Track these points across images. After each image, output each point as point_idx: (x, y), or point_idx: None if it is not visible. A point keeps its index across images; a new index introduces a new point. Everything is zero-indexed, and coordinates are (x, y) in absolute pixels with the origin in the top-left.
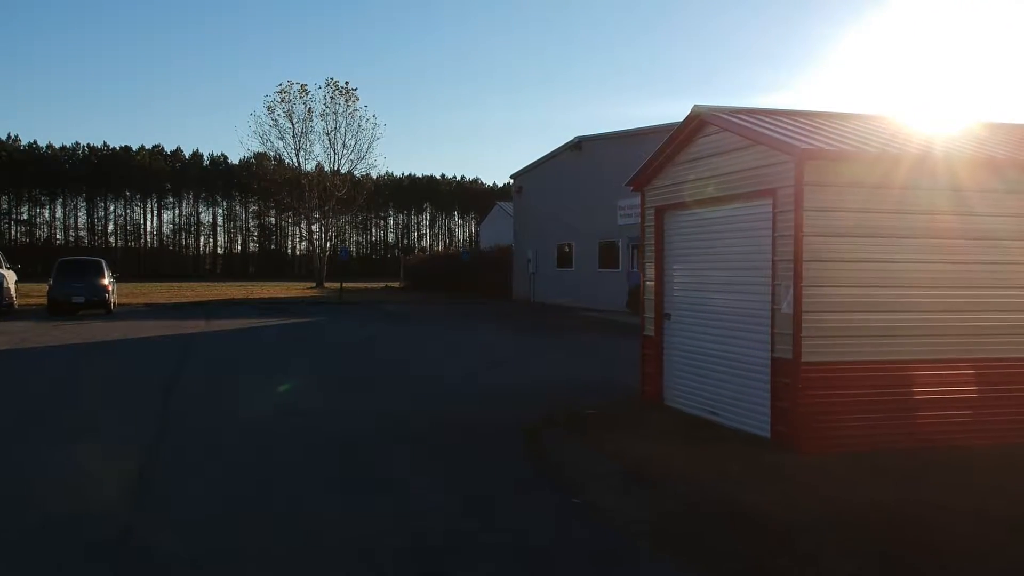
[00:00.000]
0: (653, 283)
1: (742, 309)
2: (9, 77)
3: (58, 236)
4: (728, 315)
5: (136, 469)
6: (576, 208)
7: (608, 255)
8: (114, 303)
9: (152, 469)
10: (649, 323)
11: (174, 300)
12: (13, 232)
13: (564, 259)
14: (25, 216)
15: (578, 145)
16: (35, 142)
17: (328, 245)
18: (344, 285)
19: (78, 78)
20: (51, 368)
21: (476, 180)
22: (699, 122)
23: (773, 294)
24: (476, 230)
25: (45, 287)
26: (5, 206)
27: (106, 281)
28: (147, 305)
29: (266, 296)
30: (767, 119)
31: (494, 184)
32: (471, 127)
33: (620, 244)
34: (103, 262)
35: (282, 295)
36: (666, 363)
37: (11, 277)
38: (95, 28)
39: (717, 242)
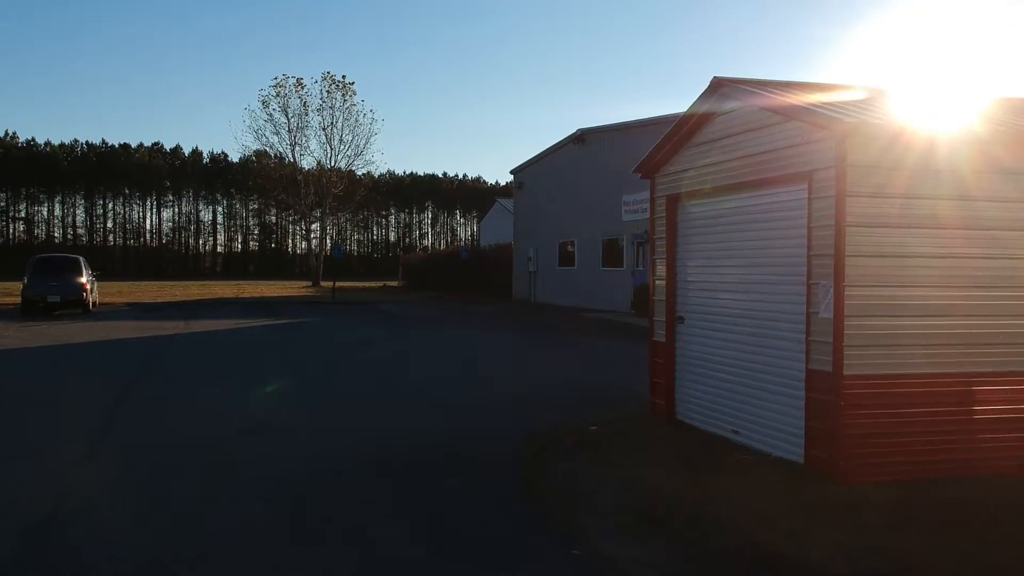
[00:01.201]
0: (664, 282)
1: (770, 312)
2: (7, 74)
3: (56, 234)
4: (753, 319)
5: (45, 503)
6: (579, 204)
7: (612, 253)
8: (94, 302)
9: (67, 501)
10: (659, 327)
11: (160, 299)
12: (11, 230)
13: (566, 257)
14: (23, 214)
15: (581, 138)
16: (33, 139)
17: (325, 243)
18: (341, 284)
19: (77, 75)
20: None
21: (478, 178)
22: (719, 96)
23: (808, 295)
24: (476, 228)
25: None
26: (3, 204)
27: (84, 279)
28: (130, 305)
29: (257, 295)
30: (799, 92)
31: (496, 182)
32: (473, 125)
33: (624, 241)
34: (81, 259)
35: (274, 294)
36: (679, 373)
37: None
38: (94, 25)
39: (739, 235)
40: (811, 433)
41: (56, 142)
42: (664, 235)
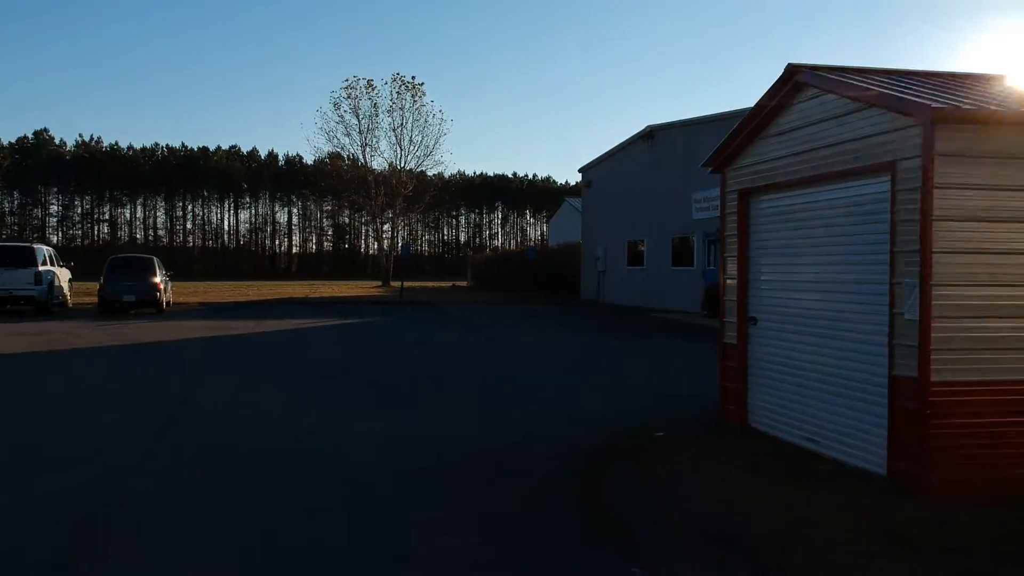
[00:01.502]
0: (735, 281)
1: (849, 313)
2: (91, 81)
3: (138, 235)
4: (831, 320)
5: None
6: (648, 202)
7: (682, 252)
8: (168, 302)
9: (105, 516)
10: (730, 329)
11: (232, 300)
12: (95, 231)
13: (635, 257)
14: (107, 216)
15: (650, 135)
16: (116, 143)
17: (396, 244)
18: (410, 284)
19: (158, 82)
20: (58, 379)
21: (548, 178)
22: (795, 84)
23: (892, 295)
24: (546, 228)
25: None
26: (88, 206)
27: (158, 280)
28: (202, 305)
29: (327, 295)
30: (881, 78)
31: (566, 182)
32: (544, 125)
33: (695, 240)
34: (155, 260)
35: (344, 294)
36: (751, 377)
37: (64, 275)
38: (176, 32)
39: (816, 231)
40: (895, 444)
41: (138, 146)
42: (736, 232)
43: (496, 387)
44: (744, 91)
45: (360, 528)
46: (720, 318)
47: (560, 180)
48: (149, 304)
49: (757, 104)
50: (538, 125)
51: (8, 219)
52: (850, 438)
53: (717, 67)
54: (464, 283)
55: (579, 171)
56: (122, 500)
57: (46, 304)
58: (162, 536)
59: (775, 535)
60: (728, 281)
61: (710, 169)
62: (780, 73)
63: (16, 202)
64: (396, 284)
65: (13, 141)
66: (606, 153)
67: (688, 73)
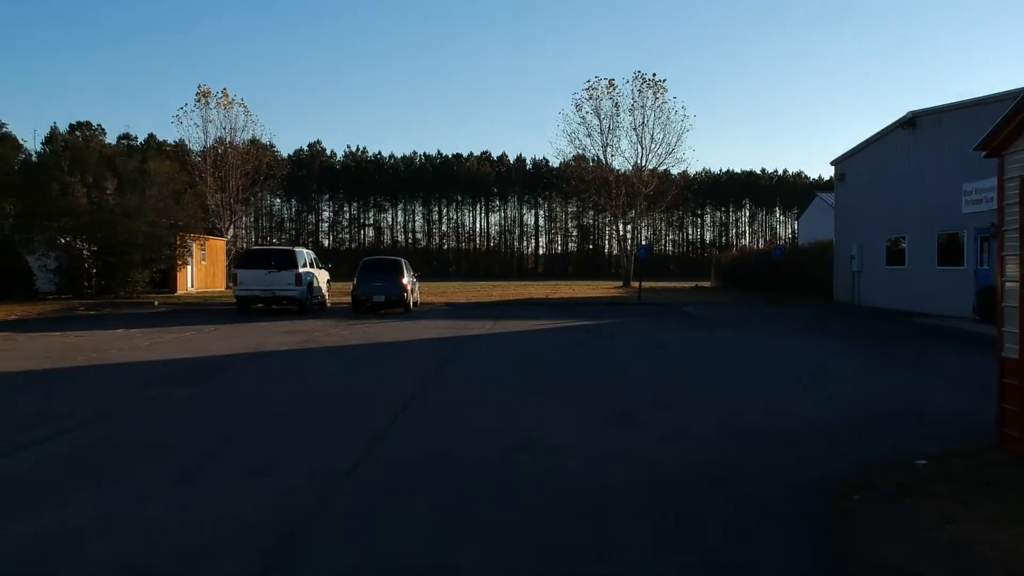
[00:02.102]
0: (1017, 284)
1: None
2: (357, 95)
3: (399, 238)
4: None
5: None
6: (910, 195)
7: (950, 250)
8: (416, 302)
9: (308, 520)
10: (1010, 340)
11: (475, 300)
12: (362, 235)
13: (895, 255)
14: (371, 221)
15: (912, 122)
16: (379, 153)
17: (631, 244)
18: (651, 285)
19: (416, 93)
20: (300, 376)
21: (799, 173)
22: None
23: None
24: (795, 225)
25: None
26: (356, 212)
27: (405, 280)
28: (448, 305)
29: (566, 296)
30: None
31: (819, 177)
32: (794, 117)
33: (965, 236)
34: (403, 261)
35: (583, 295)
36: None
37: (323, 276)
38: (432, 49)
39: None
40: None
41: (399, 155)
42: (1017, 226)
43: (729, 398)
44: (1017, 72)
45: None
46: (998, 327)
47: (812, 175)
48: (397, 304)
49: None
50: (788, 117)
51: (287, 224)
52: None
53: (988, 44)
54: (707, 283)
55: (831, 163)
56: (311, 518)
57: (305, 303)
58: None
59: None
60: (1007, 284)
61: (984, 153)
62: None
63: (294, 209)
64: (636, 285)
65: (291, 153)
66: (862, 143)
67: (954, 53)
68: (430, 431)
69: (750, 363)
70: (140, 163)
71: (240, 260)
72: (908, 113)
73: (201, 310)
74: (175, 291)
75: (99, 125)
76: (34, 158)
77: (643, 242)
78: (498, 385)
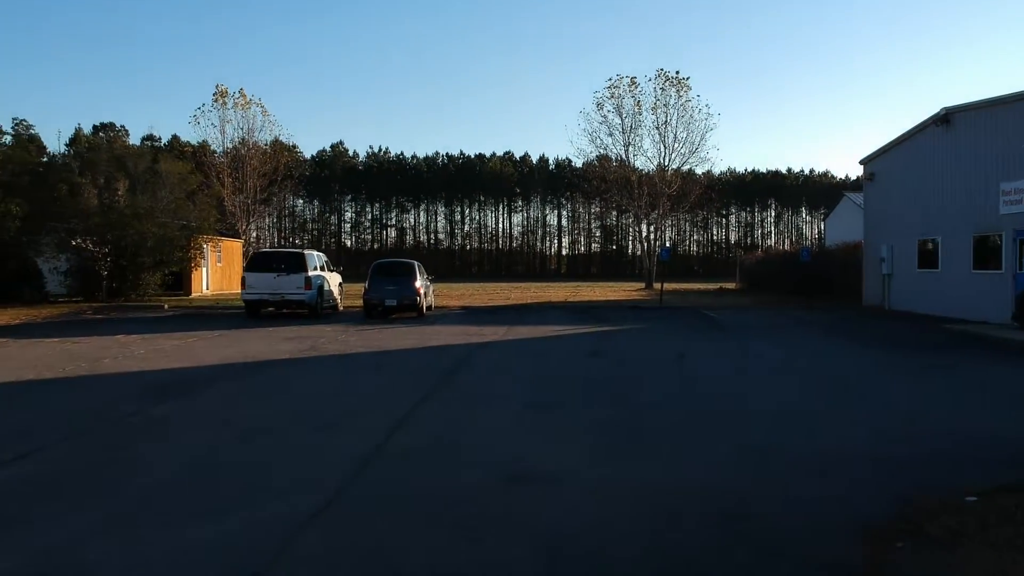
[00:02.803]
0: None
1: None
2: (378, 95)
3: (421, 239)
4: None
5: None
6: (943, 195)
7: (986, 252)
8: (430, 306)
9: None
10: None
11: (492, 303)
12: (384, 236)
13: (927, 258)
14: (393, 221)
15: (945, 118)
16: (401, 153)
17: (657, 244)
18: (675, 287)
19: (439, 93)
20: (294, 389)
21: (825, 173)
22: None
23: None
24: (822, 226)
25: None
26: (377, 212)
27: (418, 284)
28: (463, 308)
29: (586, 299)
30: None
31: (845, 177)
32: (821, 116)
33: (1003, 238)
34: (416, 264)
35: (604, 298)
36: None
37: (334, 280)
38: (452, 48)
39: None
40: None
41: (421, 155)
42: None
43: (751, 417)
44: None
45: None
46: None
47: (839, 174)
48: (410, 308)
49: None
50: (815, 116)
51: (309, 225)
52: None
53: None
54: (732, 285)
55: (860, 163)
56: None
57: (316, 308)
58: None
59: None
60: None
61: None
62: None
63: (316, 210)
64: (660, 287)
65: (314, 154)
66: (892, 141)
67: (991, 47)
68: (422, 457)
69: (776, 376)
70: (151, 163)
71: (248, 263)
72: (942, 109)
73: (211, 314)
74: (189, 293)
75: (122, 126)
76: (56, 159)
77: (666, 243)
78: (504, 401)
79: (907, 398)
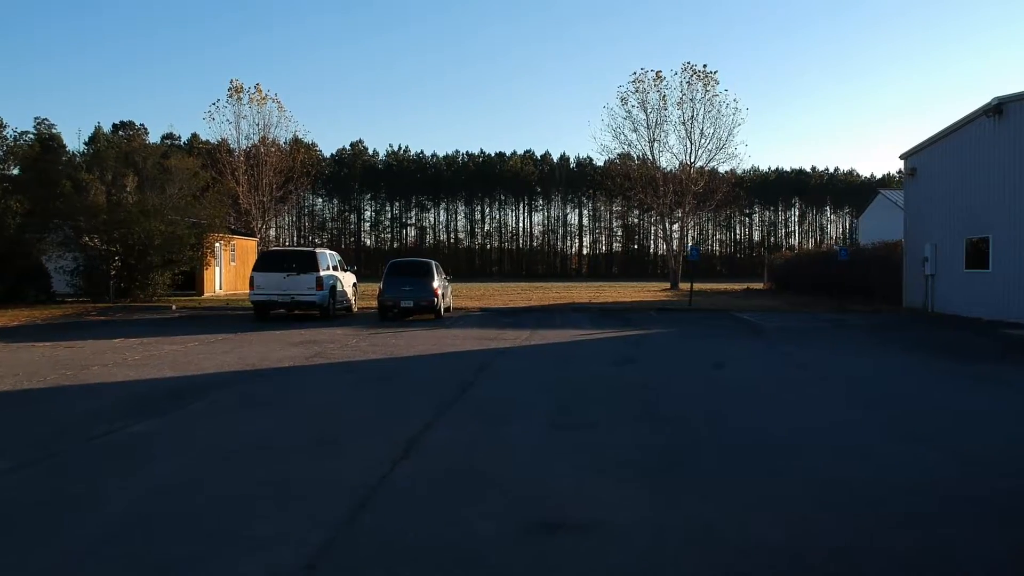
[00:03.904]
0: None
1: None
2: (398, 94)
3: (441, 238)
4: None
5: None
6: (995, 191)
7: None
8: (448, 307)
9: None
10: None
11: (514, 304)
12: (404, 235)
13: (976, 257)
14: (413, 220)
15: (998, 108)
16: (421, 151)
17: (685, 244)
18: (700, 287)
19: (458, 91)
20: (292, 403)
21: (850, 172)
22: None
23: None
24: (853, 223)
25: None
26: (396, 211)
27: (436, 284)
28: (482, 310)
29: (611, 300)
30: None
31: (871, 175)
32: (845, 113)
33: None
34: (433, 264)
35: (629, 299)
36: None
37: (348, 280)
38: (472, 49)
39: None
40: None
41: (441, 154)
42: None
43: (812, 444)
44: None
45: None
46: None
47: (864, 173)
48: (426, 310)
49: None
50: (840, 112)
51: (329, 224)
52: None
53: None
54: (759, 285)
55: (900, 157)
56: None
57: (328, 309)
58: None
59: None
60: None
61: None
62: None
63: (335, 208)
64: (685, 287)
65: (334, 152)
66: (937, 135)
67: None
68: (432, 494)
69: (829, 391)
70: (161, 159)
71: (257, 262)
72: (993, 99)
73: (219, 315)
74: (201, 293)
75: (141, 124)
76: (78, 159)
77: (689, 242)
78: (529, 420)
79: (990, 417)
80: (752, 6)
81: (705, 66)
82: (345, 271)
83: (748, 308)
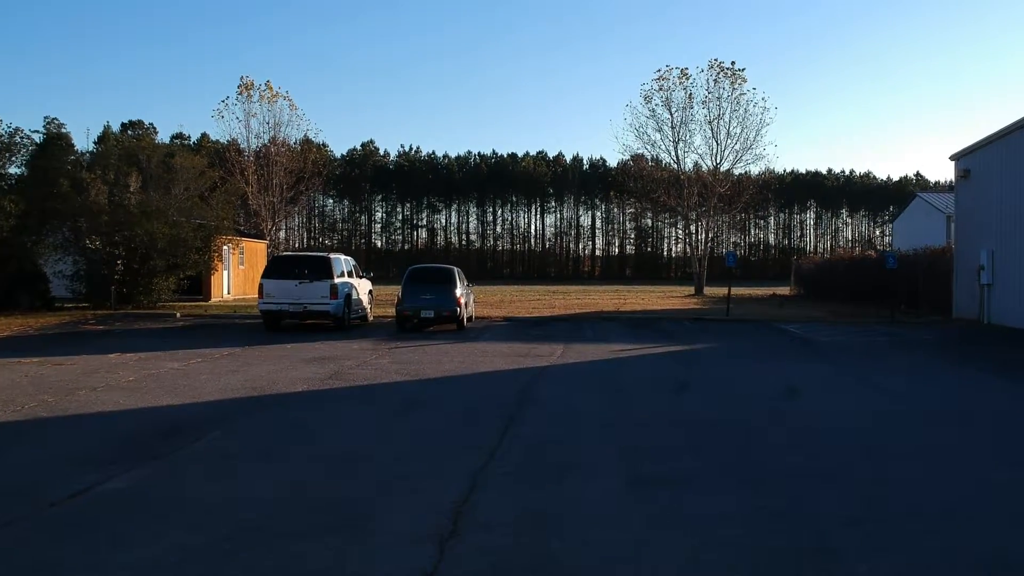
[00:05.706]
0: None
1: None
2: (410, 94)
3: (452, 239)
4: None
5: None
6: None
7: None
8: (471, 317)
9: None
10: None
11: (537, 313)
12: (415, 236)
13: None
14: (424, 222)
15: None
16: (433, 152)
17: (707, 247)
18: (719, 291)
19: (470, 92)
20: (302, 448)
21: (867, 174)
22: None
23: None
24: (879, 228)
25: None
26: (407, 213)
27: (459, 292)
28: (507, 319)
29: (638, 308)
30: None
31: (887, 178)
32: (864, 114)
33: None
34: (455, 270)
35: (656, 306)
36: None
37: (364, 287)
38: (483, 49)
39: None
40: None
41: (453, 155)
42: None
43: (957, 505)
44: None
45: None
46: None
47: (881, 175)
48: (449, 320)
49: None
50: (859, 114)
51: (339, 225)
52: None
53: None
54: (785, 290)
55: (951, 158)
56: None
57: (343, 319)
58: None
59: None
60: None
61: None
62: None
63: (346, 210)
64: (710, 293)
65: (344, 153)
66: (993, 134)
67: None
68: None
69: (935, 426)
70: (165, 157)
71: (266, 268)
72: None
73: (226, 325)
74: (208, 298)
75: (151, 124)
76: (84, 158)
77: (713, 245)
78: (595, 472)
79: None
80: (765, 9)
81: (733, 63)
82: (360, 277)
83: (788, 318)
